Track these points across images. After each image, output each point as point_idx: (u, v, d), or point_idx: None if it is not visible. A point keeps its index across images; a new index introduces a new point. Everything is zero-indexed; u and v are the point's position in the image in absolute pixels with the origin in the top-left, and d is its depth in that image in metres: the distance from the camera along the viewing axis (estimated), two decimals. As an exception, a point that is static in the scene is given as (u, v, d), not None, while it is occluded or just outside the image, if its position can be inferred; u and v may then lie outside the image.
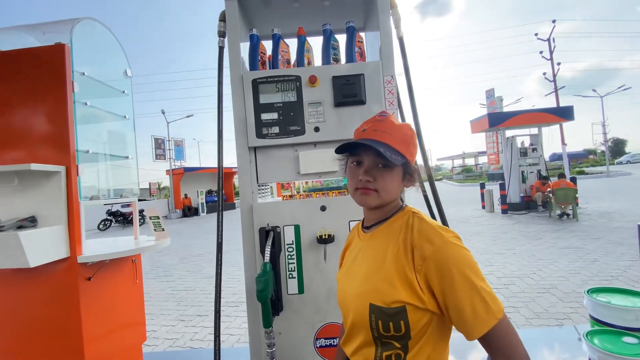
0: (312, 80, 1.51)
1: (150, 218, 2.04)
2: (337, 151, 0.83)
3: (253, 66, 1.62)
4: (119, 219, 15.55)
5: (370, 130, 0.79)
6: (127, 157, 2.28)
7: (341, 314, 0.86)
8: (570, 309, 3.32)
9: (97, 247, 2.01)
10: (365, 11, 1.83)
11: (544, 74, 21.64)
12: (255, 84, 1.53)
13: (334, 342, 1.47)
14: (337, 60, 1.64)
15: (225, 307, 4.04)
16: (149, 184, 34.86)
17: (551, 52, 21.14)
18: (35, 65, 1.77)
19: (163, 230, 2.05)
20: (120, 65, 2.35)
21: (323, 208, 1.53)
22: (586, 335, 1.71)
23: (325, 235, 1.48)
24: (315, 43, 1.74)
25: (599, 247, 5.46)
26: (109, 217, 15.32)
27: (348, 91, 1.50)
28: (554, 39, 21.20)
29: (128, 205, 16.14)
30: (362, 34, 1.83)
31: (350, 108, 1.52)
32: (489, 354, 0.67)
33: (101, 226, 14.86)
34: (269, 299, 1.27)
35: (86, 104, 1.94)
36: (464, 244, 0.71)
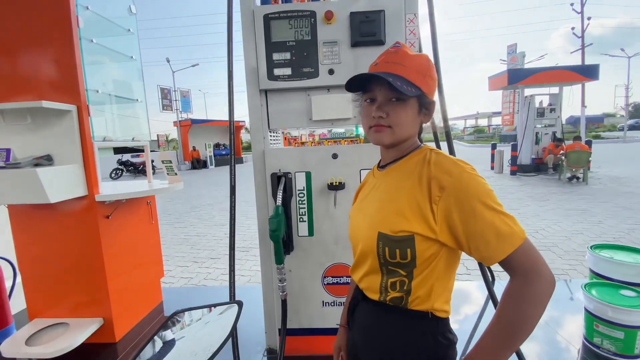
0: (329, 17, 1.41)
1: (163, 162, 2.06)
2: (347, 88, 0.77)
3: (265, 0, 1.51)
4: (130, 168, 15.87)
5: (383, 63, 0.74)
6: (136, 100, 2.24)
7: (351, 248, 0.88)
8: (568, 266, 3.42)
9: (113, 188, 2.07)
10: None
11: (572, 29, 20.03)
12: (267, 20, 1.44)
13: (340, 280, 1.55)
14: (356, -6, 1.52)
15: (235, 251, 4.25)
16: (157, 135, 34.93)
17: (582, 5, 19.35)
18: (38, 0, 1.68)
19: (176, 174, 2.08)
20: (124, 1, 2.22)
21: (335, 156, 1.52)
22: (584, 287, 1.77)
23: (336, 182, 1.49)
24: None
25: (606, 210, 5.46)
26: (120, 167, 15.64)
27: (366, 29, 1.40)
28: (589, -12, 19.26)
29: (138, 156, 16.37)
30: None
31: (367, 49, 1.44)
32: (512, 276, 0.66)
33: (113, 175, 15.24)
34: (281, 239, 1.32)
35: (92, 41, 1.87)
36: (478, 173, 0.70)
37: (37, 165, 1.67)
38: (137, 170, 15.87)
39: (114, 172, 15.33)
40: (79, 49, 1.72)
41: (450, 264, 0.74)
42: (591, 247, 1.99)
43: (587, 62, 18.37)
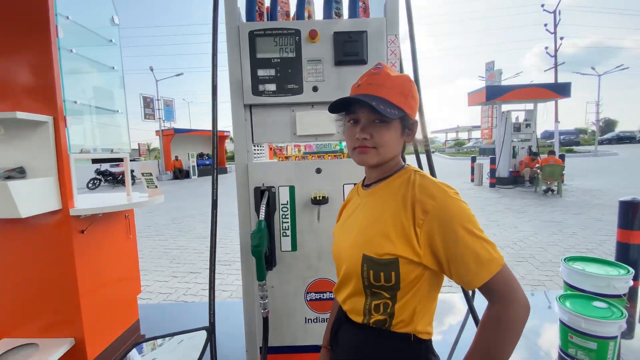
0: (313, 36, 1.44)
1: (143, 174, 2.01)
2: (331, 110, 0.79)
3: (250, 17, 1.54)
4: (108, 178, 15.40)
5: (365, 85, 0.76)
6: (116, 111, 2.20)
7: (335, 266, 0.89)
8: (545, 277, 3.52)
9: (89, 201, 2.00)
10: (371, -37, 1.72)
11: (546, 48, 21.18)
12: (252, 36, 1.46)
13: (323, 295, 1.54)
14: (339, 15, 1.57)
15: (217, 265, 4.15)
16: (138, 144, 34.12)
17: (555, 26, 20.54)
18: (17, 7, 1.64)
19: (156, 187, 2.04)
20: (107, 12, 2.20)
21: (318, 170, 1.53)
22: (559, 299, 1.83)
23: (319, 196, 1.50)
24: (317, -4, 1.65)
25: (579, 222, 5.69)
26: (97, 177, 15.14)
27: (349, 49, 1.44)
28: (559, 12, 20.51)
29: (117, 165, 15.91)
30: (367, -11, 1.73)
31: (350, 68, 1.48)
32: (489, 302, 0.68)
33: (90, 185, 14.71)
34: (263, 254, 1.31)
35: (72, 51, 1.83)
36: (460, 197, 0.72)
37: (8, 178, 1.60)
38: (116, 180, 15.41)
39: (92, 182, 14.81)
40: (58, 59, 1.68)
41: (433, 286, 0.75)
42: (565, 260, 2.06)
43: (559, 80, 19.41)
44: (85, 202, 1.92)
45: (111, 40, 2.15)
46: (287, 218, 1.52)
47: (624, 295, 1.87)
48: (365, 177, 0.88)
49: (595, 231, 5.13)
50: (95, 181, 14.97)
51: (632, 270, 1.90)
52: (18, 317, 1.79)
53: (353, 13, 1.55)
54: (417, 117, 0.81)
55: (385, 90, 0.73)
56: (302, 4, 1.55)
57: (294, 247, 1.51)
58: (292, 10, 1.62)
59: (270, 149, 2.41)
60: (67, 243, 1.72)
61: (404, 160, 0.87)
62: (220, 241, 5.22)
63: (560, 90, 10.85)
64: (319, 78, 1.49)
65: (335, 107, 0.78)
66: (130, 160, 2.29)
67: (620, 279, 1.84)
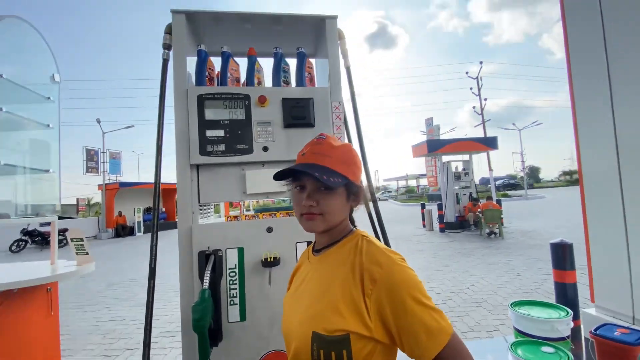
0: (262, 101, 1.50)
1: (72, 240, 1.80)
2: (276, 178, 0.80)
3: (200, 82, 1.57)
4: (37, 239, 13.55)
5: (310, 154, 0.79)
6: (47, 171, 2.01)
7: (285, 343, 0.82)
8: (498, 321, 3.62)
9: (4, 273, 1.72)
10: (315, 39, 1.90)
11: (474, 107, 24.40)
12: (202, 99, 1.48)
13: (276, 370, 1.40)
14: (287, 83, 1.67)
15: (159, 337, 3.67)
16: (77, 199, 31.15)
17: (479, 89, 23.95)
18: None
19: (87, 253, 1.82)
20: (48, 70, 2.12)
21: (269, 229, 1.49)
22: (511, 347, 1.86)
23: (270, 258, 1.44)
24: (266, 65, 1.75)
25: (521, 263, 6.09)
26: (24, 237, 13.26)
27: (298, 113, 1.52)
28: (481, 78, 24.10)
29: (48, 224, 14.17)
30: (313, 60, 1.89)
31: (299, 130, 1.54)
32: None
33: (14, 247, 12.76)
34: (207, 329, 1.18)
35: (1, 109, 1.70)
36: (408, 263, 0.73)
37: None
38: (46, 240, 13.60)
39: (16, 244, 12.88)
40: (-19, 117, 1.54)
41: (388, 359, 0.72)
42: (511, 305, 2.14)
43: (488, 134, 22.07)
44: (1, 273, 1.64)
45: (49, 98, 2.05)
46: (235, 284, 1.42)
47: (568, 337, 1.96)
48: (315, 242, 0.88)
49: (536, 271, 5.50)
50: (20, 243, 13.05)
51: (570, 312, 2.02)
52: None
53: (300, 82, 1.66)
54: (361, 182, 0.84)
55: (328, 160, 0.76)
56: (252, 72, 1.63)
57: (242, 316, 1.40)
58: (242, 77, 1.70)
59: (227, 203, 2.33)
60: (-37, 330, 1.43)
61: (353, 223, 0.89)
62: (164, 308, 4.69)
63: (489, 143, 12.31)
64: (269, 139, 1.52)
65: (280, 176, 0.79)
66: (64, 218, 2.05)
67: (562, 322, 1.93)
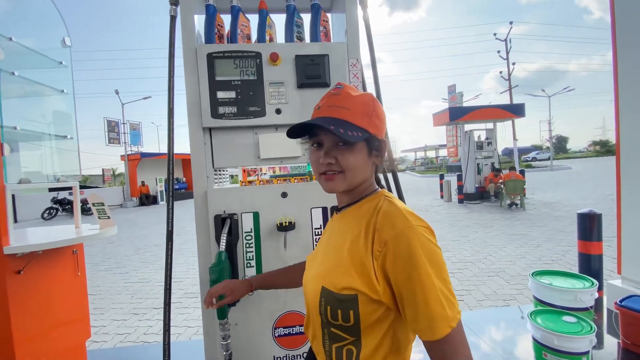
0: (274, 58, 1.41)
1: (93, 205, 1.85)
2: (289, 135, 0.74)
3: (209, 40, 1.49)
4: (67, 207, 14.32)
5: (325, 107, 0.71)
6: (65, 137, 2.04)
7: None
8: (516, 291, 3.58)
9: (31, 236, 1.79)
10: (331, -10, 1.75)
11: (500, 72, 22.94)
12: (211, 58, 1.40)
13: (293, 330, 1.43)
14: (300, 39, 1.56)
15: (183, 298, 3.88)
16: (102, 170, 32.43)
17: (507, 52, 22.39)
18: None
19: (108, 217, 1.87)
20: (58, 34, 2.08)
21: (284, 195, 1.46)
22: (530, 315, 1.83)
23: (285, 222, 1.42)
24: (278, 21, 1.64)
25: (542, 234, 5.94)
26: (54, 206, 14.05)
27: (312, 72, 1.42)
28: (510, 40, 22.44)
29: (80, 193, 14.90)
30: (328, 15, 1.76)
31: (313, 90, 1.45)
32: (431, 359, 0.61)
33: (45, 215, 13.60)
34: (224, 290, 1.19)
35: (13, 73, 1.69)
36: (435, 239, 0.64)
37: None
38: (76, 208, 14.37)
39: (47, 211, 13.69)
40: (-5, 81, 1.54)
41: (406, 333, 0.67)
42: (532, 274, 2.09)
43: (514, 101, 20.91)
44: (25, 237, 1.71)
45: (61, 63, 2.02)
46: (252, 247, 1.42)
47: (591, 307, 1.91)
48: (337, 201, 0.83)
49: (557, 242, 5.36)
50: (52, 211, 13.86)
51: (596, 282, 1.95)
52: None
53: (314, 37, 1.54)
54: (385, 136, 0.77)
55: (346, 112, 0.69)
56: (263, 28, 1.53)
57: (258, 278, 1.41)
58: (253, 34, 1.60)
59: (244, 171, 2.32)
60: (-2, 286, 1.51)
61: (379, 183, 0.82)
62: (187, 272, 4.91)
63: (516, 110, 11.65)
64: (282, 100, 1.45)
65: (294, 132, 0.73)
66: (91, 187, 2.11)
67: (585, 292, 1.88)
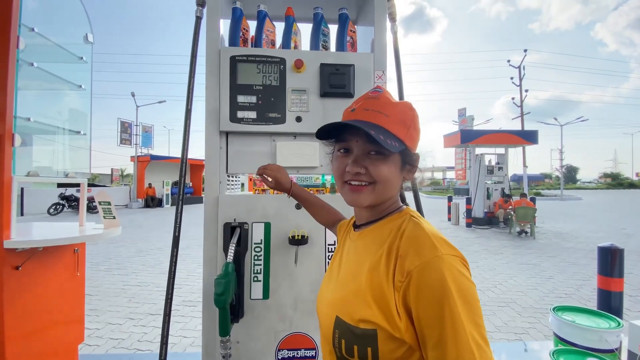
0: (298, 65, 1.37)
1: (99, 203, 1.79)
2: (318, 135, 0.66)
3: (233, 42, 1.46)
4: (73, 203, 14.40)
5: (361, 110, 0.64)
6: (78, 132, 2.01)
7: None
8: (528, 324, 3.41)
9: (34, 231, 1.74)
10: (358, 2, 1.73)
11: (513, 98, 22.91)
12: (234, 61, 1.37)
13: (297, 353, 1.33)
14: (326, 48, 1.52)
15: (181, 306, 3.77)
16: (112, 169, 32.81)
17: (520, 79, 22.44)
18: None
19: (114, 217, 1.81)
20: (81, 29, 2.08)
21: (298, 206, 1.39)
22: (552, 354, 1.70)
23: (298, 235, 1.35)
24: (304, 30, 1.60)
25: (554, 265, 5.73)
26: (61, 202, 14.14)
27: (336, 81, 1.38)
28: (524, 67, 22.53)
29: (88, 191, 14.99)
30: (354, 26, 1.72)
31: (336, 100, 1.40)
32: None
33: (52, 210, 13.67)
34: (229, 304, 1.11)
35: (32, 64, 1.67)
36: (468, 271, 0.55)
37: None
38: (82, 206, 14.44)
39: (53, 207, 13.77)
40: (14, 70, 1.52)
41: None
42: (554, 310, 1.96)
43: (525, 128, 20.80)
44: (30, 231, 1.66)
45: (82, 58, 2.02)
46: (260, 260, 1.34)
47: (616, 349, 1.77)
48: (355, 217, 0.75)
49: (571, 275, 5.15)
50: (58, 206, 13.94)
51: (622, 322, 1.82)
52: None
53: (340, 47, 1.51)
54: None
55: (385, 119, 0.61)
56: (288, 34, 1.49)
57: (265, 294, 1.32)
58: (278, 40, 1.57)
59: (250, 179, 2.26)
60: (-6, 282, 1.45)
61: (404, 200, 0.75)
62: (187, 278, 4.81)
63: (529, 137, 11.54)
64: (304, 108, 1.40)
65: (325, 132, 0.65)
66: (98, 186, 2.06)
67: (612, 333, 1.75)
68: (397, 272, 0.55)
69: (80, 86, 2.00)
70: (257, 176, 1.14)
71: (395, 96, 1.53)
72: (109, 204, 1.79)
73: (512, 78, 22.65)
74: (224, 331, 1.11)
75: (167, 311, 1.27)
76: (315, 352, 1.33)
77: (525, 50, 22.29)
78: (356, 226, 0.73)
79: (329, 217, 1.04)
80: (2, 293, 1.47)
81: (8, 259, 1.49)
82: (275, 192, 1.76)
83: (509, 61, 22.69)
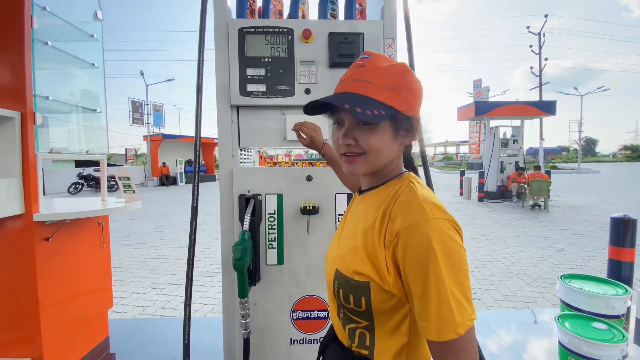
0: (306, 35, 1.36)
1: (119, 179, 1.87)
2: (305, 111, 0.68)
3: (241, 13, 1.45)
4: (91, 182, 14.87)
5: (349, 81, 0.64)
6: (94, 110, 2.06)
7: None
8: (536, 293, 3.46)
9: (59, 206, 1.84)
10: (368, -34, 1.67)
11: (531, 68, 21.88)
12: (242, 33, 1.36)
13: (310, 314, 1.41)
14: (334, 16, 1.50)
15: (200, 276, 3.96)
16: (125, 149, 33.44)
17: (540, 47, 21.30)
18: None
19: (134, 192, 1.90)
20: (90, 6, 2.08)
21: (309, 178, 1.43)
22: (558, 319, 1.75)
23: (309, 206, 1.39)
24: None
25: (566, 238, 5.71)
26: (80, 181, 14.61)
27: (345, 50, 1.36)
28: (544, 34, 21.31)
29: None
30: (363, -7, 1.68)
31: (345, 70, 1.39)
32: None
33: (71, 189, 14.17)
34: (246, 269, 1.18)
35: (47, 44, 1.70)
36: (457, 234, 0.58)
37: (-36, 177, 1.44)
38: (100, 184, 14.92)
39: (73, 186, 14.26)
40: (30, 50, 1.55)
41: None
42: (561, 277, 1.99)
43: (544, 99, 19.99)
44: (54, 207, 1.76)
45: (93, 36, 2.03)
46: (274, 229, 1.40)
47: (623, 315, 1.81)
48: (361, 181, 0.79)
49: (582, 247, 5.14)
50: (77, 185, 14.43)
51: (630, 289, 1.85)
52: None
53: (349, 15, 1.48)
54: (417, 114, 0.67)
55: (370, 87, 0.61)
56: (296, 3, 1.47)
57: (280, 260, 1.39)
58: (286, 10, 1.55)
59: (261, 157, 2.30)
60: (28, 252, 1.56)
61: (412, 164, 0.76)
62: (204, 251, 5.01)
63: (547, 108, 11.13)
64: (312, 80, 1.40)
65: (308, 110, 0.67)
66: (114, 165, 2.15)
67: (619, 299, 1.78)
68: (387, 233, 0.59)
69: (93, 64, 2.03)
70: (293, 132, 1.17)
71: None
72: (128, 179, 1.87)
73: (531, 46, 21.52)
74: (243, 293, 1.19)
75: (189, 275, 1.36)
76: (327, 313, 1.41)
77: (545, 16, 21.00)
78: (361, 191, 0.76)
79: (354, 181, 1.06)
80: (35, 263, 1.59)
81: (38, 231, 1.60)
82: (287, 165, 1.79)
83: (528, 28, 21.47)
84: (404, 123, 0.64)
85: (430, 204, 0.58)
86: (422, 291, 0.53)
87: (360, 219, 0.68)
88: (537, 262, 4.45)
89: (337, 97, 0.62)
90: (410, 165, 0.76)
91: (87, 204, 1.87)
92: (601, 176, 20.17)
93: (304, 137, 1.15)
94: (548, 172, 9.76)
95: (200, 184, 1.43)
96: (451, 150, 53.50)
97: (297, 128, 1.14)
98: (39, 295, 1.59)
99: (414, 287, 0.55)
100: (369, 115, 0.58)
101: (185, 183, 18.59)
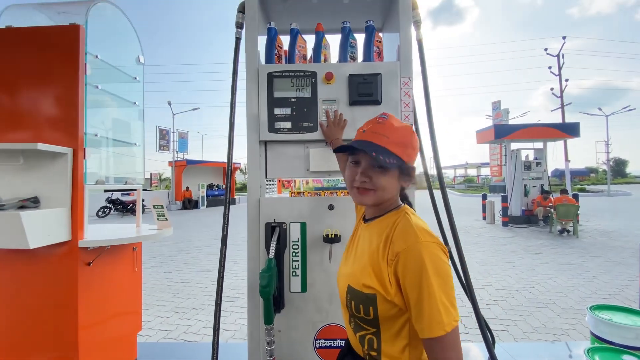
0: (328, 77, 1.49)
1: (154, 207, 2.02)
2: (335, 151, 0.94)
3: (269, 59, 1.60)
4: (119, 207, 15.51)
5: (370, 132, 0.84)
6: (134, 144, 2.26)
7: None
8: (568, 325, 3.29)
9: (98, 232, 1.99)
10: (384, 11, 1.82)
11: (552, 89, 21.59)
12: (271, 77, 1.51)
13: (334, 343, 1.44)
14: (354, 58, 1.63)
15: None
16: (151, 174, 34.89)
17: (560, 68, 21.11)
18: (49, 45, 1.74)
19: (166, 219, 2.03)
20: (133, 51, 2.33)
21: (331, 207, 1.51)
22: (587, 352, 1.68)
23: (332, 234, 1.46)
24: (333, 42, 1.72)
25: (598, 265, 5.42)
26: (108, 205, 15.28)
27: (364, 90, 1.48)
28: (563, 55, 21.17)
29: (128, 194, 16.10)
30: (380, 34, 1.81)
31: (364, 108, 1.50)
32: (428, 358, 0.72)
33: (100, 213, 14.82)
34: (272, 296, 1.25)
35: (97, 87, 1.92)
36: (444, 254, 0.74)
37: (22, 207, 1.61)
38: (126, 209, 15.51)
39: (102, 210, 14.93)
40: (83, 94, 1.76)
41: None
42: (590, 308, 1.93)
43: (566, 120, 19.54)
44: (95, 233, 1.91)
45: (135, 78, 2.26)
46: (298, 256, 1.47)
47: (658, 350, 1.72)
48: (365, 211, 0.98)
49: (616, 275, 4.86)
50: (105, 209, 15.09)
51: (663, 322, 1.76)
52: (14, 349, 1.72)
53: (368, 57, 1.60)
54: (415, 164, 0.89)
55: (386, 140, 0.81)
56: (318, 48, 1.61)
57: (303, 287, 1.45)
58: (309, 54, 1.69)
59: (279, 181, 2.41)
60: (72, 275, 1.69)
61: (407, 199, 0.95)
62: (226, 275, 5.07)
63: (570, 130, 10.89)
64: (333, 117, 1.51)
65: (341, 149, 0.88)
66: (145, 190, 2.31)
67: (652, 332, 1.70)
68: (389, 253, 0.76)
69: (135, 103, 2.24)
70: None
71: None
72: (162, 207, 2.01)
73: (550, 67, 21.36)
74: (268, 320, 1.25)
75: (218, 301, 1.43)
76: (350, 342, 1.44)
77: (564, 37, 20.95)
78: (365, 220, 0.94)
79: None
80: (77, 286, 1.71)
81: (82, 256, 1.74)
82: (309, 194, 1.89)
83: (546, 49, 21.42)
84: (406, 170, 0.85)
85: (422, 230, 0.76)
86: (417, 298, 0.69)
87: (366, 244, 0.86)
88: (567, 292, 4.24)
89: (366, 144, 0.82)
90: (406, 200, 0.95)
91: (123, 231, 2.01)
92: (633, 198, 19.12)
93: (325, 124, 1.47)
94: (575, 196, 9.39)
95: (220, 207, 1.54)
96: (472, 172, 52.40)
97: (329, 114, 1.47)
98: (79, 318, 1.70)
99: (411, 296, 0.71)
100: (387, 162, 0.78)
101: (207, 207, 19.04)
